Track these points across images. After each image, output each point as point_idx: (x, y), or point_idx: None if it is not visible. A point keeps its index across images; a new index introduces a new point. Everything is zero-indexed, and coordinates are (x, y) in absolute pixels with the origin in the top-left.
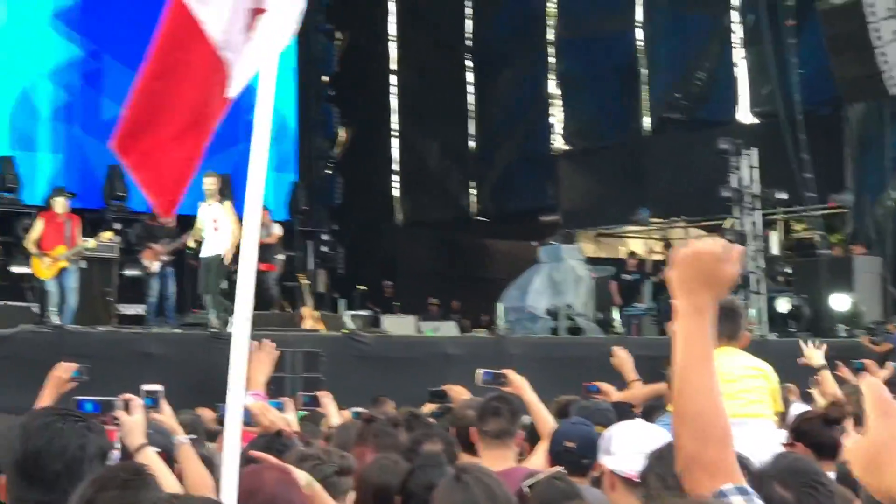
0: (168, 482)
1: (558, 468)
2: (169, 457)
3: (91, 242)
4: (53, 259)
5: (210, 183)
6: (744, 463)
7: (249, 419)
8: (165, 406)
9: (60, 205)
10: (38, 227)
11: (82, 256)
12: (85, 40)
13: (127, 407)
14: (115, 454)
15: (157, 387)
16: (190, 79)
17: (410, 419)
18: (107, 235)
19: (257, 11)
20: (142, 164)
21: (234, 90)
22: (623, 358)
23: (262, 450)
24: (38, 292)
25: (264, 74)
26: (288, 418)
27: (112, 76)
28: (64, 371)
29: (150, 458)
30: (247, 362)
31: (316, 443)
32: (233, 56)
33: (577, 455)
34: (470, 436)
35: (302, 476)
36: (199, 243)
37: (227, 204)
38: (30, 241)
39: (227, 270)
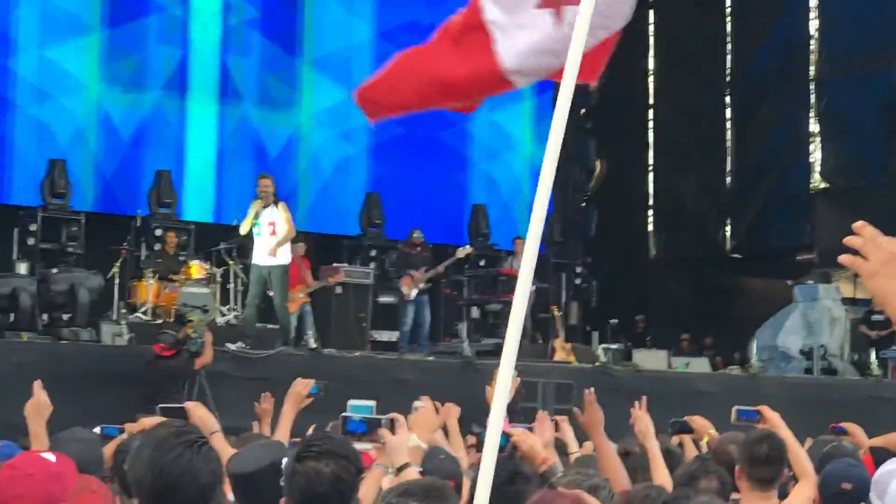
0: None
1: None
2: (457, 485)
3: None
4: (294, 299)
5: (266, 185)
6: None
7: (504, 443)
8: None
9: (300, 248)
10: None
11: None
12: None
13: (392, 426)
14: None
15: (425, 403)
16: (454, 50)
17: (664, 453)
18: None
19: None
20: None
21: (520, 82)
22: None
23: (505, 481)
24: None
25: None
26: (536, 442)
27: None
28: (303, 387)
29: (412, 477)
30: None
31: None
32: (505, 37)
33: (854, 497)
34: (734, 473)
35: None
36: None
37: (282, 205)
38: None
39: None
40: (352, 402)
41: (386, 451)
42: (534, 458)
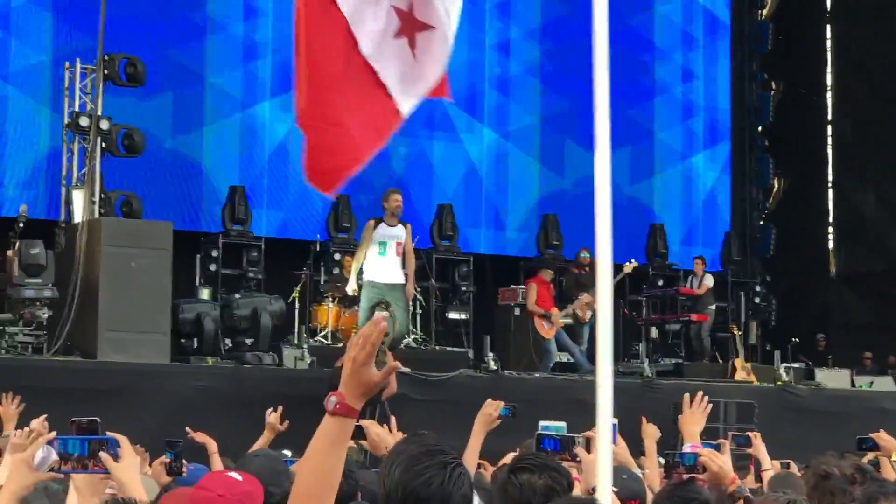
0: None
1: None
2: None
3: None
4: (552, 323)
5: (399, 200)
6: None
7: (694, 461)
8: (620, 439)
9: (547, 274)
10: (534, 291)
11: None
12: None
13: (587, 445)
14: None
15: (612, 420)
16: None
17: (858, 473)
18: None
19: (408, 23)
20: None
21: (405, 108)
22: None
23: (668, 497)
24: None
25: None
26: (726, 462)
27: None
28: (493, 409)
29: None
30: (611, 398)
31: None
32: (383, 69)
33: None
34: None
35: None
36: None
37: (408, 227)
38: (531, 304)
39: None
40: (543, 423)
41: (582, 469)
42: (723, 477)
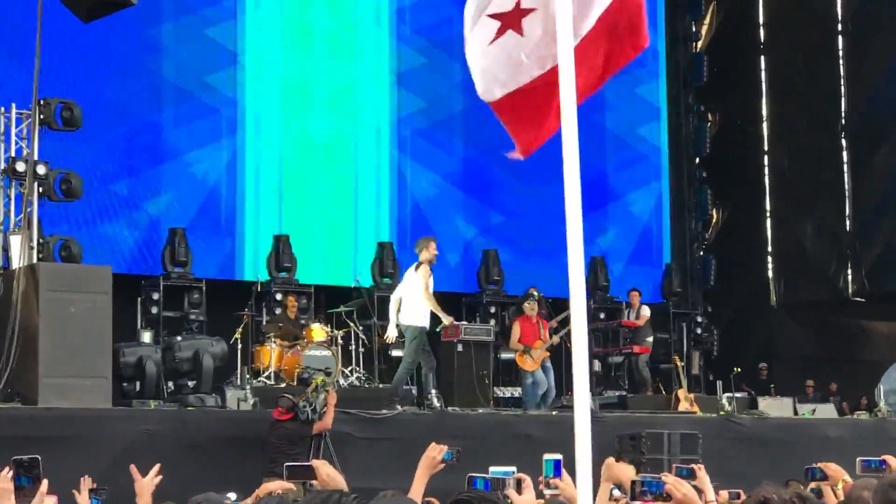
0: None
1: None
2: None
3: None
4: (537, 354)
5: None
6: None
7: (661, 489)
8: (565, 475)
9: (530, 308)
10: (517, 329)
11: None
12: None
13: (519, 487)
14: None
15: (557, 456)
16: None
17: (798, 499)
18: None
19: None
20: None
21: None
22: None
23: None
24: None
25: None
26: (690, 489)
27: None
28: (437, 452)
29: None
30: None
31: None
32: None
33: None
34: None
35: None
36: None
37: None
38: (513, 342)
39: None
40: (493, 469)
41: None
42: None
